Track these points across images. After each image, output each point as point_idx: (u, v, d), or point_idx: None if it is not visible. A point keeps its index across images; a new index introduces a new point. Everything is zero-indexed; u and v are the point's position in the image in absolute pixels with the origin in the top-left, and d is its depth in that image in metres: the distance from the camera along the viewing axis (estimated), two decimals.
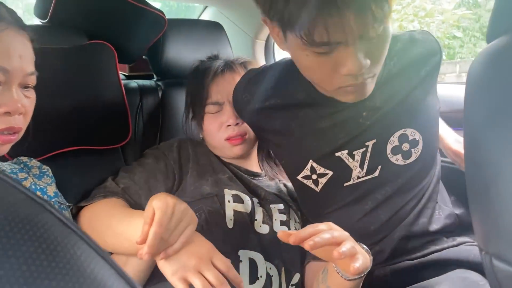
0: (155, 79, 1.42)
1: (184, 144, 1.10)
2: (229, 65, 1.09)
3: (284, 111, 0.92)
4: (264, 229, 0.97)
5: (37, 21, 1.21)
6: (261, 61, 1.62)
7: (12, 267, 0.22)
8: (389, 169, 0.89)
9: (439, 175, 0.98)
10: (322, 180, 0.93)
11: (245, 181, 1.07)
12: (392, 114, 0.87)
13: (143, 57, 1.38)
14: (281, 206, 1.05)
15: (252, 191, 1.06)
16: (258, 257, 0.91)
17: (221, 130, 1.06)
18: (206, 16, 1.67)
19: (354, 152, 0.89)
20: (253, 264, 0.90)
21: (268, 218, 1.00)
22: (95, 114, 1.09)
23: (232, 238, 0.91)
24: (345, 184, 0.91)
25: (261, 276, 0.89)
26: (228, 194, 0.99)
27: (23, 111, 0.76)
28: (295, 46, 0.73)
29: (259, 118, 0.97)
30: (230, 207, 0.96)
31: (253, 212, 0.98)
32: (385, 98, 0.87)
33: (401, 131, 0.88)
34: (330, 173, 0.91)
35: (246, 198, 1.01)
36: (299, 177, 0.95)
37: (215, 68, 1.08)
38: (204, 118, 1.08)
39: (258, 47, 1.60)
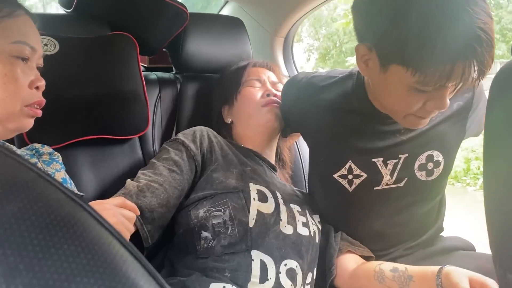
0: (174, 72, 1.43)
1: (204, 133, 1.09)
2: (269, 63, 1.29)
3: (333, 112, 1.02)
4: (288, 229, 0.98)
5: (53, 9, 1.23)
6: (279, 58, 1.63)
7: (54, 264, 0.23)
8: (413, 182, 1.01)
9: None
10: (356, 181, 1.02)
11: (267, 175, 1.10)
12: (424, 135, 0.99)
13: (163, 49, 1.39)
14: (299, 208, 1.07)
15: (273, 187, 1.07)
16: (269, 260, 0.92)
17: (260, 98, 1.17)
18: (227, 11, 1.68)
19: (388, 161, 1.00)
20: (263, 265, 0.91)
21: (291, 219, 1.01)
22: (115, 104, 1.11)
23: (249, 237, 0.93)
24: (375, 188, 1.02)
25: (270, 278, 0.90)
26: (253, 189, 0.99)
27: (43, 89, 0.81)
28: (398, 79, 0.79)
29: (306, 114, 1.09)
30: (255, 206, 0.96)
31: (277, 211, 0.99)
32: None
33: (429, 152, 1.00)
34: (365, 175, 1.01)
35: (269, 195, 1.02)
36: (335, 175, 1.04)
37: (256, 60, 1.29)
38: (242, 91, 1.20)
39: (277, 44, 1.60)
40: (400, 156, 1.00)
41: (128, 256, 0.27)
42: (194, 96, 1.33)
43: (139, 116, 1.16)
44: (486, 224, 0.51)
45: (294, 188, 1.21)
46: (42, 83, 0.79)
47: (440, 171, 1.02)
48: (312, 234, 1.03)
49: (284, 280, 0.91)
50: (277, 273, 0.91)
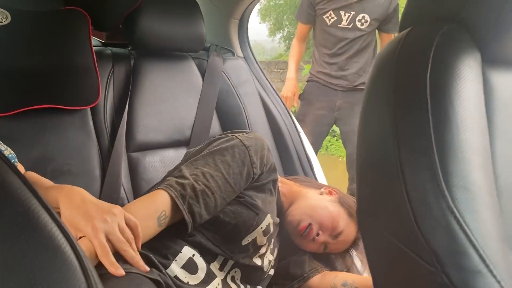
0: (129, 48, 1.48)
1: (270, 154, 1.04)
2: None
3: None
4: None
5: None
6: (234, 40, 1.69)
7: None
8: None
9: None
10: None
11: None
12: None
13: (120, 26, 1.44)
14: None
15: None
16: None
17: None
18: None
19: None
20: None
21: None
22: (64, 75, 1.16)
23: None
24: None
25: None
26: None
27: None
28: None
29: None
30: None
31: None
32: None
33: None
34: None
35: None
36: None
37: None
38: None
39: (232, 26, 1.66)
40: None
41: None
42: (148, 71, 1.39)
43: (89, 88, 1.21)
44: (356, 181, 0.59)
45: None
46: None
47: None
48: None
49: None
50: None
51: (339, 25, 2.21)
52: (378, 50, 2.37)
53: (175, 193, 0.88)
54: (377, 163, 0.54)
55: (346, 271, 1.24)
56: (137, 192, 1.27)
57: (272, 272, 1.15)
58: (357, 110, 2.22)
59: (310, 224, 1.11)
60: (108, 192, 1.19)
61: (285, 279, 1.19)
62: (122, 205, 1.17)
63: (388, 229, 0.52)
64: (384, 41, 2.31)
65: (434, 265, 0.45)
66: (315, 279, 1.18)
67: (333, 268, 1.25)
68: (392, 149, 0.50)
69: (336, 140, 5.25)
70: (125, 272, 0.74)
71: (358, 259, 1.28)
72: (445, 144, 0.47)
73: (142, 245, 0.85)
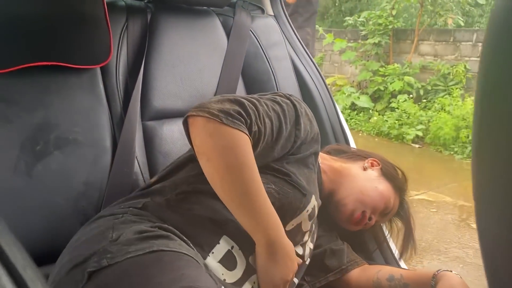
0: (146, 0, 1.29)
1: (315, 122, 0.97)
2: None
3: None
4: None
5: None
6: (267, 5, 1.49)
7: None
8: None
9: None
10: None
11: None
12: None
13: None
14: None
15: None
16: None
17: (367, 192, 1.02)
18: None
19: None
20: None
21: None
22: (70, 27, 1.00)
23: None
24: None
25: None
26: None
27: None
28: None
29: None
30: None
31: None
32: None
33: None
34: None
35: None
36: None
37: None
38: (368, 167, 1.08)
39: None
40: None
41: None
42: (167, 28, 1.21)
43: (99, 43, 1.04)
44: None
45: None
46: None
47: None
48: None
49: None
50: None
51: None
52: None
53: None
54: None
55: (377, 247, 1.18)
56: (152, 166, 1.11)
57: (308, 262, 1.00)
58: None
59: (363, 212, 1.00)
60: (120, 166, 1.04)
61: (319, 270, 1.06)
62: (135, 180, 1.04)
63: None
64: None
65: None
66: (354, 273, 1.05)
67: (364, 246, 1.16)
68: None
69: (356, 114, 5.03)
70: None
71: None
72: None
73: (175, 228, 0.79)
